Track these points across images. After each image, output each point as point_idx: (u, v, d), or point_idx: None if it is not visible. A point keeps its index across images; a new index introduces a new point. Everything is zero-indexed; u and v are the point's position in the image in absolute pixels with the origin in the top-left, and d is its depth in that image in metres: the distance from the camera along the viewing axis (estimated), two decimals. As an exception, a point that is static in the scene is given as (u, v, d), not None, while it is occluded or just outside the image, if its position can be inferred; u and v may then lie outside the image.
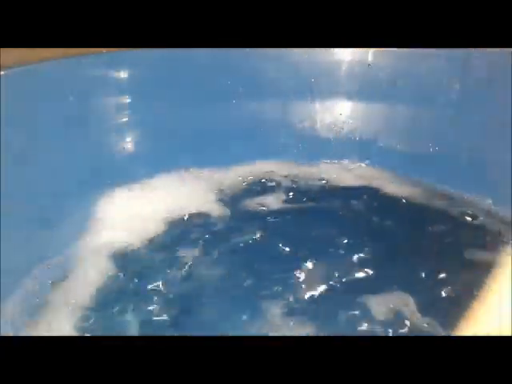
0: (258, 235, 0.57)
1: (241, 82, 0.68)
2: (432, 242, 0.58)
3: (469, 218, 0.62)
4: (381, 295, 0.48)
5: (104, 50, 0.62)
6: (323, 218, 0.61)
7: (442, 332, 0.43)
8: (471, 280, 0.46)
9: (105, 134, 0.64)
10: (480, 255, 0.55)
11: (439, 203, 0.65)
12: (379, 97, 0.69)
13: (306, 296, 0.49)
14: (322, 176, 0.68)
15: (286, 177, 0.68)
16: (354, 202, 0.64)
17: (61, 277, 0.50)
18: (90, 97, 0.62)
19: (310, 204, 0.64)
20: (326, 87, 0.69)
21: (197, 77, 0.66)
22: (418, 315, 0.45)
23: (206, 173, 0.66)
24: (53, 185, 0.58)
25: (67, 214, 0.58)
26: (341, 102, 0.69)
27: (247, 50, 0.63)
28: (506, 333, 0.33)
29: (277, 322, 0.46)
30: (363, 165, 0.70)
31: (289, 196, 0.64)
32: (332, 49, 0.67)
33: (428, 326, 0.44)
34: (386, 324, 0.45)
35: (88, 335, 0.44)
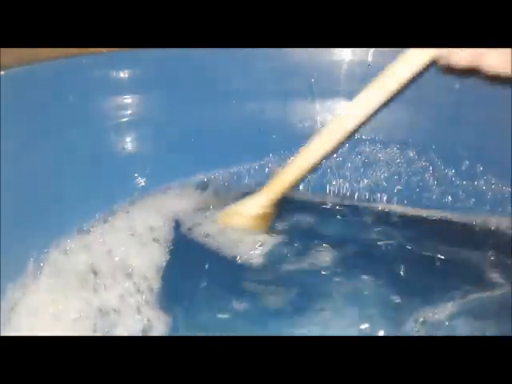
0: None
1: (241, 81, 0.68)
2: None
3: (469, 219, 0.62)
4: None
5: (104, 49, 0.62)
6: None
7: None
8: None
9: (105, 133, 0.64)
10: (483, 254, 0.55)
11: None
12: (379, 97, 0.69)
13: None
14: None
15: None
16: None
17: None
18: (90, 97, 0.62)
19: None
20: (326, 87, 0.69)
21: (197, 77, 0.66)
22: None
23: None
24: (53, 185, 0.58)
25: (66, 215, 0.58)
26: (341, 102, 0.69)
27: (247, 50, 0.63)
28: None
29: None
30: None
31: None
32: (332, 49, 0.67)
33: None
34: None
35: (88, 335, 0.44)
